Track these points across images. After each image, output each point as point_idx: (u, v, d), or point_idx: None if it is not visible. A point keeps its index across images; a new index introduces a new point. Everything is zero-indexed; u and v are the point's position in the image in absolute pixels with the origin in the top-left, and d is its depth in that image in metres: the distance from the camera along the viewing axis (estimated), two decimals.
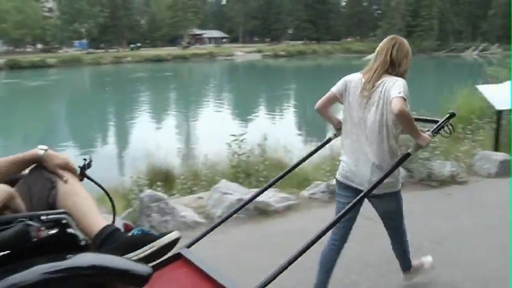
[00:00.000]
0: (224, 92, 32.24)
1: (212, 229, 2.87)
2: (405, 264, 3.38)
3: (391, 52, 2.89)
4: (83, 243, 1.75)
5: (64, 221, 1.71)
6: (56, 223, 1.70)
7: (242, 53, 65.87)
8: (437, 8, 77.97)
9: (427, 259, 3.49)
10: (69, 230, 1.72)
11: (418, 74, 46.51)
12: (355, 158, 2.98)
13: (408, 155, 2.83)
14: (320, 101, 3.13)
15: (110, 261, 1.71)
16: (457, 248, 4.05)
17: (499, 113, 7.87)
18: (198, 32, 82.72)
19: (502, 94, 7.88)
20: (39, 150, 1.98)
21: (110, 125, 19.47)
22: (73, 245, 1.71)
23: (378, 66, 2.89)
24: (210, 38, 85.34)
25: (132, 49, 68.98)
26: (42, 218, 1.68)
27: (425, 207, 5.19)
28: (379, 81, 2.85)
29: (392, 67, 2.90)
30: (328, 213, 5.16)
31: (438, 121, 2.99)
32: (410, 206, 5.14)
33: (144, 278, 1.71)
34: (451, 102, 10.52)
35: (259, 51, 68.16)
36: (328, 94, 3.10)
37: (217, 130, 13.15)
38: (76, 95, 31.91)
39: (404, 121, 2.70)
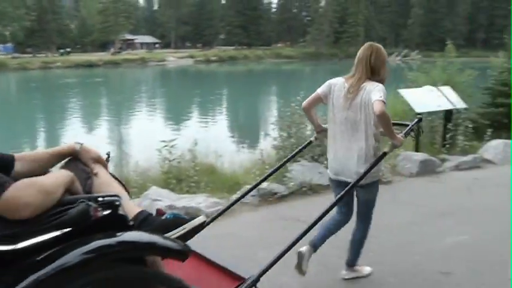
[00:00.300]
0: (156, 97, 31.77)
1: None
2: (353, 259, 3.60)
3: (370, 60, 3.20)
4: (131, 223, 1.97)
5: (117, 203, 1.88)
6: (109, 205, 1.86)
7: (174, 59, 65.20)
8: (363, 16, 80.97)
9: (367, 268, 3.70)
10: (120, 211, 1.89)
11: None
12: (341, 154, 3.32)
13: (385, 153, 3.17)
14: (306, 101, 3.43)
15: (157, 239, 1.95)
16: (382, 245, 4.22)
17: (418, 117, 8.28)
18: (129, 37, 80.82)
19: (421, 98, 8.31)
20: (76, 144, 2.20)
21: (37, 131, 18.64)
22: (122, 225, 1.90)
23: (360, 73, 3.21)
24: (142, 44, 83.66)
25: (61, 54, 66.12)
26: (99, 199, 1.86)
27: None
28: (361, 86, 3.17)
29: (373, 74, 3.21)
30: (259, 217, 5.27)
31: (408, 125, 3.40)
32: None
33: (186, 254, 1.97)
34: None
35: (191, 57, 67.77)
36: (314, 95, 3.41)
37: (148, 136, 12.93)
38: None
39: (384, 122, 3.02)
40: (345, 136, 3.29)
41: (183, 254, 1.96)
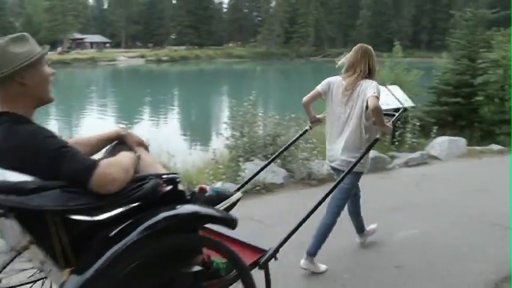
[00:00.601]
0: (107, 97, 31.13)
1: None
2: (315, 246, 3.69)
3: (369, 62, 3.60)
4: (188, 197, 2.22)
5: (177, 180, 2.10)
6: (171, 181, 2.08)
7: (125, 58, 64.06)
8: (313, 17, 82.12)
9: (323, 266, 3.80)
10: (179, 187, 2.12)
11: (299, 78, 48.62)
12: (337, 143, 3.67)
13: (377, 139, 3.57)
14: (307, 96, 3.78)
15: (212, 210, 2.25)
16: (336, 242, 4.27)
17: None
18: (79, 36, 78.54)
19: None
20: (122, 129, 2.44)
21: None
22: (181, 199, 2.12)
23: (358, 72, 3.57)
24: (91, 43, 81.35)
25: None
26: (164, 177, 2.07)
27: (305, 205, 5.37)
28: (358, 83, 3.55)
29: (369, 73, 3.60)
30: None
31: (395, 115, 3.87)
32: (292, 204, 5.38)
33: (235, 223, 2.20)
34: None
35: (142, 56, 66.79)
36: (314, 92, 3.77)
37: None
38: None
39: (377, 114, 3.39)
40: (340, 128, 3.66)
41: (233, 222, 2.20)
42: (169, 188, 2.05)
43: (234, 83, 38.94)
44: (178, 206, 2.05)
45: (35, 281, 2.60)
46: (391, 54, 12.80)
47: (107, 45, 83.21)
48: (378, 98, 3.36)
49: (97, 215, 1.84)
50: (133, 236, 1.84)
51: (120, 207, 1.90)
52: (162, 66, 59.76)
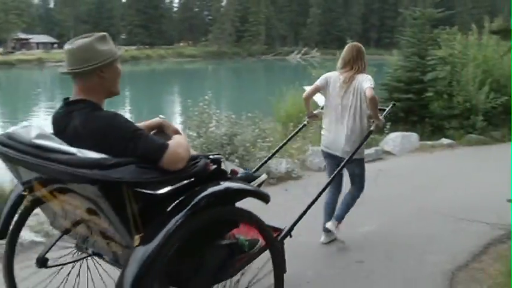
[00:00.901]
0: (54, 100, 30.16)
1: None
2: (340, 214, 4.22)
3: (363, 58, 4.05)
4: (229, 176, 2.59)
5: (221, 160, 2.41)
6: (216, 161, 2.38)
7: None
8: (264, 15, 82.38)
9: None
10: (222, 167, 2.42)
11: (251, 76, 48.73)
12: (334, 132, 4.08)
13: (371, 132, 4.04)
14: (306, 92, 4.22)
15: (252, 187, 2.72)
16: (296, 240, 4.29)
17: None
18: (23, 36, 75.55)
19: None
20: (161, 119, 2.70)
21: None
22: (224, 177, 2.45)
23: (355, 68, 4.00)
24: (38, 43, 78.35)
25: None
26: (210, 157, 2.38)
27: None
28: (354, 77, 3.97)
29: (363, 68, 4.04)
30: None
31: (385, 109, 4.32)
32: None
33: (268, 198, 2.56)
34: (281, 102, 11.17)
35: None
36: (313, 86, 4.18)
37: None
38: None
39: (373, 104, 3.82)
40: (338, 118, 4.04)
41: (266, 197, 2.55)
42: (214, 166, 2.36)
43: (187, 83, 38.62)
44: (223, 183, 2.37)
45: (76, 260, 2.91)
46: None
47: (55, 45, 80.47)
48: (373, 89, 3.80)
49: (160, 188, 2.11)
50: (192, 206, 2.15)
51: (181, 181, 2.19)
52: None
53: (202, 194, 2.20)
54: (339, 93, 4.02)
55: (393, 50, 13.41)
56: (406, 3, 61.85)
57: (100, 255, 2.62)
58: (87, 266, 2.99)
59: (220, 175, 2.41)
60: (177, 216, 2.10)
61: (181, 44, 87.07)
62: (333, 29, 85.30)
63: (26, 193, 2.44)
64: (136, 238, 2.03)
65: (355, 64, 4.01)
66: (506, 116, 10.26)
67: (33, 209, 2.71)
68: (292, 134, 4.59)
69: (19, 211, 2.68)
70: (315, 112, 4.34)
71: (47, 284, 2.82)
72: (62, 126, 2.28)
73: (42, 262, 2.70)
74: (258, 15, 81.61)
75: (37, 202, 2.53)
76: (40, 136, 2.13)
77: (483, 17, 12.61)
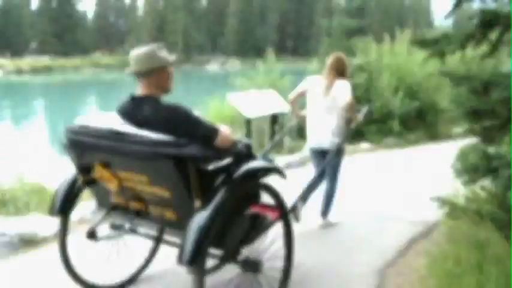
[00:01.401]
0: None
1: None
2: (326, 210, 4.93)
3: (344, 66, 4.72)
4: (256, 157, 3.08)
5: (251, 144, 3.06)
6: (247, 145, 3.00)
7: None
8: (181, 24, 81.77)
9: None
10: (251, 150, 3.03)
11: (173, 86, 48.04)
12: (318, 129, 4.72)
13: (351, 128, 4.78)
14: (292, 96, 4.94)
15: (273, 164, 3.53)
16: None
17: (248, 121, 8.68)
18: None
19: (250, 103, 8.69)
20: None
21: None
22: (253, 158, 3.00)
23: (334, 74, 4.64)
24: None
25: None
26: (242, 142, 3.00)
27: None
28: (334, 82, 4.60)
29: (343, 75, 4.68)
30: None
31: (360, 109, 4.92)
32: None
33: (285, 174, 3.27)
34: (204, 112, 11.14)
35: None
36: (296, 90, 4.89)
37: None
38: None
39: (350, 108, 4.56)
40: (321, 117, 4.67)
41: (283, 173, 3.25)
42: (245, 150, 2.96)
43: (104, 94, 37.58)
44: (255, 162, 2.97)
45: (118, 235, 3.22)
46: (265, 59, 13.19)
47: None
48: (351, 94, 4.50)
49: (211, 164, 2.70)
50: (235, 180, 2.76)
51: (228, 158, 2.80)
52: (23, 78, 55.37)
53: (242, 171, 2.80)
54: (322, 96, 4.65)
55: (313, 58, 13.82)
56: (321, 14, 63.96)
57: (135, 231, 3.12)
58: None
59: (251, 156, 2.98)
60: (225, 189, 2.67)
61: (97, 54, 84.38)
62: (250, 38, 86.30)
63: (80, 176, 2.96)
64: (197, 202, 2.59)
65: (336, 71, 4.66)
66: (419, 120, 10.91)
67: (83, 190, 3.16)
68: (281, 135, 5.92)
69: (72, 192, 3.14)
70: (302, 113, 4.99)
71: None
72: (132, 116, 2.78)
73: (92, 234, 2.96)
74: (175, 24, 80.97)
75: (88, 183, 2.99)
76: (118, 124, 2.73)
77: (394, 27, 13.35)
